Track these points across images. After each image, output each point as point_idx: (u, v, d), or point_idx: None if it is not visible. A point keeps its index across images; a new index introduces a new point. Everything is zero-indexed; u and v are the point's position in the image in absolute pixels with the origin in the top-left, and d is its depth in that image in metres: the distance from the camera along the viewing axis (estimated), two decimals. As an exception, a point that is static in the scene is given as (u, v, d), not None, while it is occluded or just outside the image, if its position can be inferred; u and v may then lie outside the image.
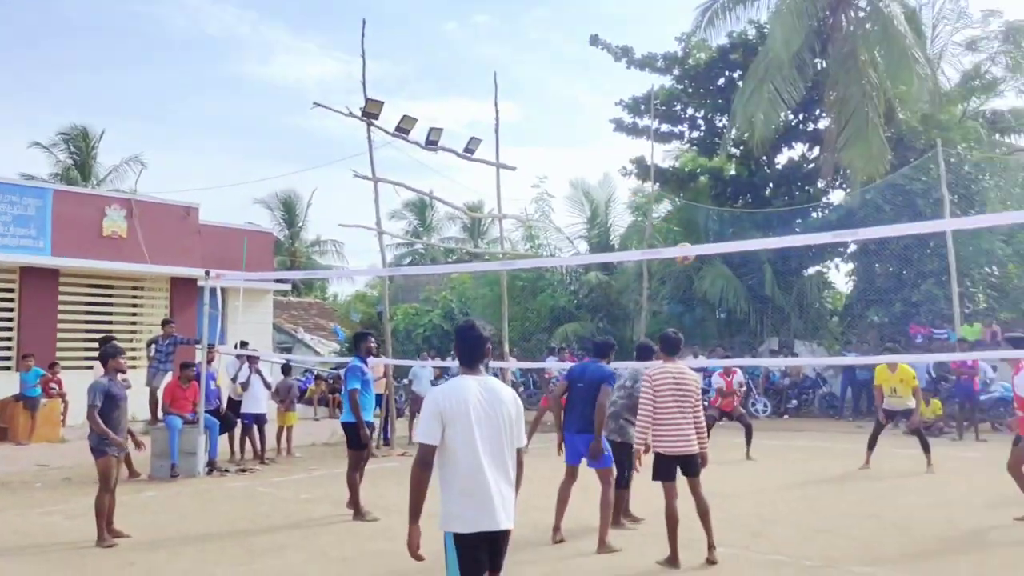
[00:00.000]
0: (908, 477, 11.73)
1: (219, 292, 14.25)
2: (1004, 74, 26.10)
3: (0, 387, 16.71)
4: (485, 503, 4.14)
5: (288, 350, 26.93)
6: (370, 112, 15.91)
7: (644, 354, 8.61)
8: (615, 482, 7.92)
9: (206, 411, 12.58)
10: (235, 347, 15.61)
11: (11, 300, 18.42)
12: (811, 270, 25.81)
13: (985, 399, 17.32)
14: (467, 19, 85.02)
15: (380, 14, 77.06)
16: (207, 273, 13.15)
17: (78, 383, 12.88)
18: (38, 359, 16.64)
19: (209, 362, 13.10)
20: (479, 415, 4.17)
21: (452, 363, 23.94)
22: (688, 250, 10.68)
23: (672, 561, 6.90)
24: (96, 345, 13.60)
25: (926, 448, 12.15)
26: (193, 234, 20.41)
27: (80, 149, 35.86)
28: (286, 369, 16.06)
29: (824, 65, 25.04)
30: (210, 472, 12.50)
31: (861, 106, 22.50)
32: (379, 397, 16.28)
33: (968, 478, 11.54)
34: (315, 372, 23.84)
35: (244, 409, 13.90)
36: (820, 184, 26.61)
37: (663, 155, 28.73)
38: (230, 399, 14.45)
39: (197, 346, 13.71)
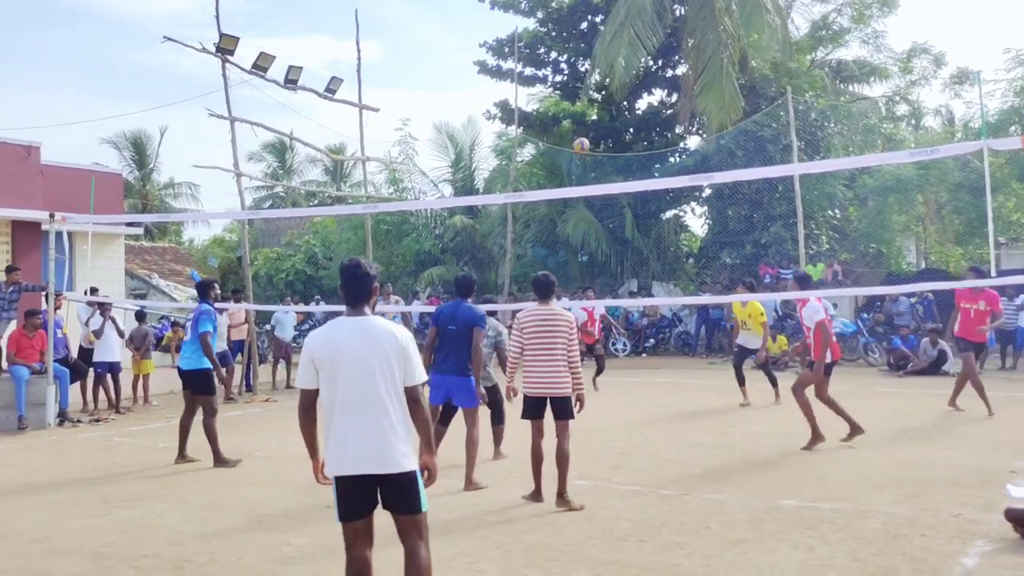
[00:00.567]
0: (757, 409, 12.46)
1: (65, 236, 13.51)
2: (849, 25, 27.37)
3: None
4: (342, 446, 4.10)
5: (142, 296, 25.81)
6: (225, 48, 15.28)
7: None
8: (493, 418, 8.52)
9: (54, 360, 12.02)
10: (85, 294, 14.91)
11: None
12: (668, 214, 26.64)
13: (826, 334, 18.44)
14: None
15: (233, -56, 73.44)
16: (52, 216, 12.48)
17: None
18: None
19: (56, 309, 12.48)
20: (349, 357, 4.10)
21: (315, 308, 23.66)
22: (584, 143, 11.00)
23: (535, 496, 7.12)
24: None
25: (773, 382, 12.91)
26: (35, 175, 19.10)
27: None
28: (140, 316, 15.47)
29: (683, 12, 25.56)
30: (61, 423, 12.02)
31: (717, 53, 23.14)
32: (240, 343, 15.98)
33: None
34: (171, 319, 23.04)
35: (97, 358, 13.41)
36: (678, 130, 27.40)
37: (527, 99, 28.82)
38: (81, 348, 13.89)
39: (43, 293, 13.02)
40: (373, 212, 21.40)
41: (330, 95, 17.16)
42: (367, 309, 4.27)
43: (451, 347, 7.84)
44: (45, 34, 70.64)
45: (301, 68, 16.39)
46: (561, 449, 6.97)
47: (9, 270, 14.30)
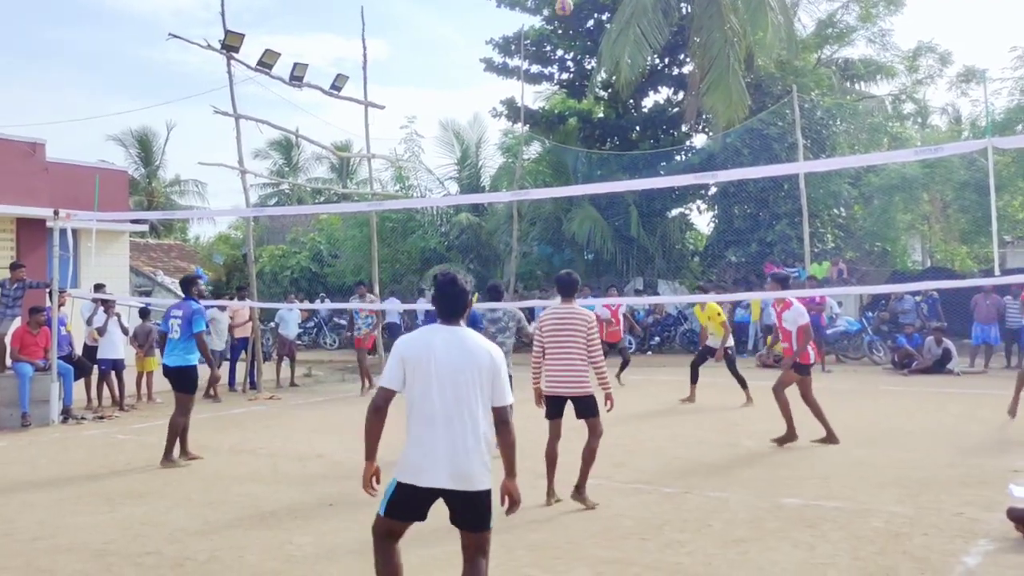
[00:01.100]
0: (761, 408, 12.40)
1: (70, 233, 13.53)
2: (855, 23, 27.30)
3: None
4: (426, 457, 4.00)
5: (147, 294, 25.83)
6: (230, 45, 15.30)
7: (492, 295, 8.65)
8: None
9: (58, 357, 12.06)
10: (90, 291, 14.94)
11: None
12: (674, 212, 26.60)
13: (831, 333, 18.45)
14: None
15: (240, -58, 73.52)
16: (56, 213, 12.50)
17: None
18: None
19: (60, 306, 12.51)
20: (442, 366, 4.02)
21: (320, 305, 23.68)
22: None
23: (549, 498, 7.01)
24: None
25: (743, 384, 12.87)
26: (40, 172, 19.15)
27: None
28: (144, 313, 15.49)
29: (688, 10, 25.52)
30: (65, 420, 12.05)
31: (723, 51, 23.10)
32: (245, 341, 16.02)
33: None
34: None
35: (101, 355, 13.44)
36: (684, 128, 27.35)
37: (533, 96, 28.85)
38: (86, 345, 13.92)
39: (47, 290, 13.06)
40: (379, 209, 21.42)
41: (335, 92, 17.18)
42: (462, 322, 4.22)
43: None
44: (52, 31, 70.88)
45: (307, 65, 16.43)
46: (589, 447, 6.97)
47: (13, 267, 14.34)
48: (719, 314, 13.03)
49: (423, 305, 21.43)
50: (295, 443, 10.29)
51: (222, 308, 15.57)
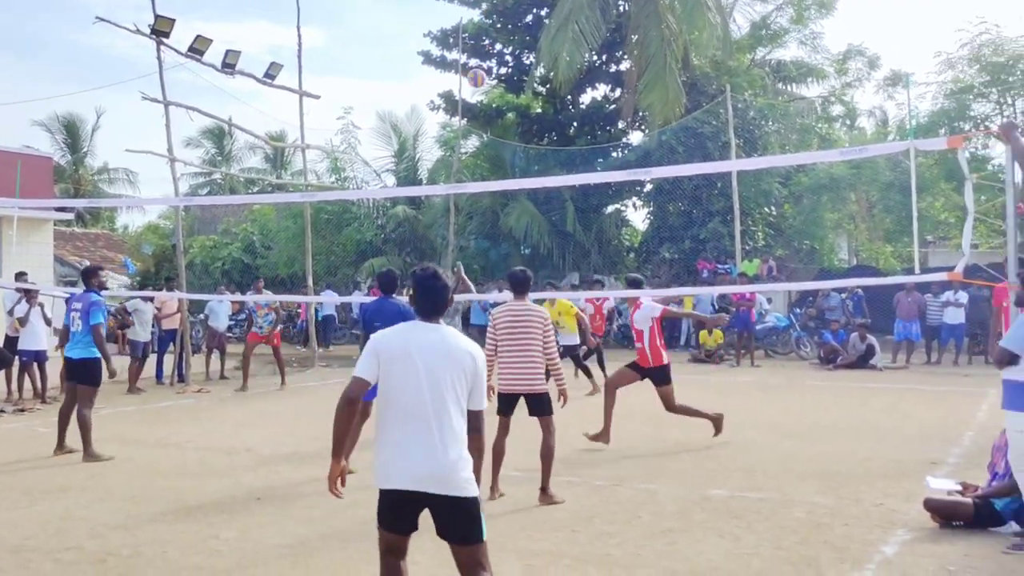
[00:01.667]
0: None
1: (-10, 220, 13.10)
2: (788, 25, 27.85)
3: None
4: (402, 458, 3.74)
5: (73, 284, 25.13)
6: (160, 30, 14.97)
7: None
8: None
9: (-24, 349, 11.67)
10: (11, 280, 14.48)
11: None
12: (610, 208, 26.83)
13: (760, 328, 18.83)
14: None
15: (173, -75, 71.65)
16: (-26, 199, 12.09)
17: None
18: None
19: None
20: (420, 363, 3.77)
21: (251, 297, 23.34)
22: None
23: (491, 491, 6.98)
24: None
25: (587, 373, 13.27)
26: (-43, 156, 18.53)
27: None
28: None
29: (626, 8, 25.73)
30: (-17, 413, 11.66)
31: (660, 50, 23.34)
32: (173, 332, 15.70)
33: (744, 400, 12.58)
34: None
35: (22, 346, 13.02)
36: (620, 125, 27.60)
37: (471, 91, 28.75)
38: (7, 335, 13.48)
39: (-36, 279, 12.62)
40: (313, 201, 21.20)
41: (269, 81, 16.93)
42: (442, 320, 3.99)
43: None
44: (-28, 11, 68.25)
45: (239, 52, 16.16)
46: (546, 444, 6.95)
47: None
48: (571, 306, 13.24)
49: (358, 298, 21.28)
50: (223, 437, 10.13)
51: (145, 299, 15.24)
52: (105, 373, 9.01)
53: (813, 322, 19.41)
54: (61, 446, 9.02)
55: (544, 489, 6.91)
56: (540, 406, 7.00)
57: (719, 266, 22.09)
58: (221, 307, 16.56)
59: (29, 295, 13.33)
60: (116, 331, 21.58)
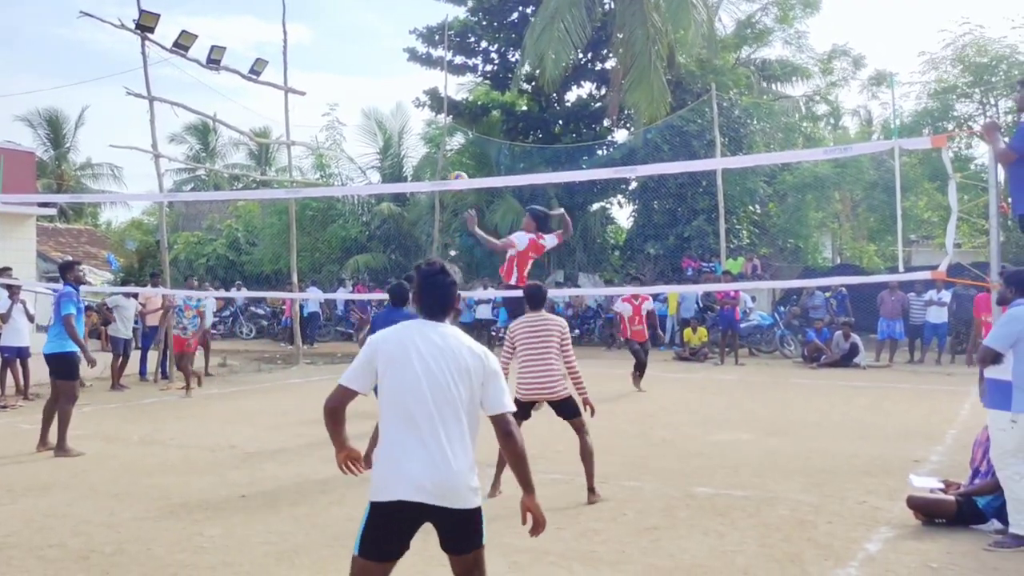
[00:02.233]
0: (677, 400, 12.66)
1: (-29, 215, 12.98)
2: (773, 25, 27.97)
3: None
4: (404, 468, 3.42)
5: (55, 280, 24.96)
6: (145, 25, 14.88)
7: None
8: None
9: (-42, 345, 11.57)
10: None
11: None
12: (595, 206, 26.89)
13: (745, 327, 18.90)
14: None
15: (157, -81, 71.13)
16: (-45, 194, 11.97)
17: None
18: None
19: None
20: (422, 370, 3.49)
21: (236, 293, 23.14)
22: (466, 182, 10.84)
23: (491, 489, 6.98)
24: None
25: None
26: (-62, 151, 18.34)
27: None
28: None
29: (612, 6, 25.76)
30: (-35, 410, 11.56)
31: (645, 48, 23.38)
32: (155, 330, 15.61)
33: (729, 398, 12.63)
34: (85, 303, 22.29)
35: (4, 342, 12.92)
36: (606, 123, 27.65)
37: (457, 88, 28.77)
38: (-12, 332, 13.35)
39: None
40: (298, 197, 21.12)
41: (254, 77, 16.87)
42: (447, 320, 3.70)
43: None
44: (-46, 4, 67.54)
45: (224, 48, 16.13)
46: (584, 445, 6.98)
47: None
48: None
49: (343, 295, 21.23)
50: (208, 434, 10.08)
51: (128, 295, 15.14)
52: (85, 364, 8.95)
53: (797, 320, 19.50)
54: (44, 442, 8.96)
55: (591, 489, 6.94)
56: (567, 410, 7.03)
57: (704, 264, 22.15)
58: (206, 304, 16.43)
59: (11, 291, 13.22)
60: (99, 327, 21.44)
